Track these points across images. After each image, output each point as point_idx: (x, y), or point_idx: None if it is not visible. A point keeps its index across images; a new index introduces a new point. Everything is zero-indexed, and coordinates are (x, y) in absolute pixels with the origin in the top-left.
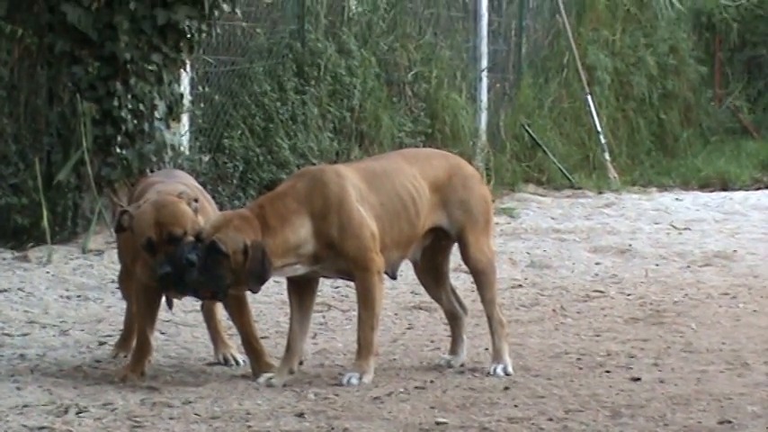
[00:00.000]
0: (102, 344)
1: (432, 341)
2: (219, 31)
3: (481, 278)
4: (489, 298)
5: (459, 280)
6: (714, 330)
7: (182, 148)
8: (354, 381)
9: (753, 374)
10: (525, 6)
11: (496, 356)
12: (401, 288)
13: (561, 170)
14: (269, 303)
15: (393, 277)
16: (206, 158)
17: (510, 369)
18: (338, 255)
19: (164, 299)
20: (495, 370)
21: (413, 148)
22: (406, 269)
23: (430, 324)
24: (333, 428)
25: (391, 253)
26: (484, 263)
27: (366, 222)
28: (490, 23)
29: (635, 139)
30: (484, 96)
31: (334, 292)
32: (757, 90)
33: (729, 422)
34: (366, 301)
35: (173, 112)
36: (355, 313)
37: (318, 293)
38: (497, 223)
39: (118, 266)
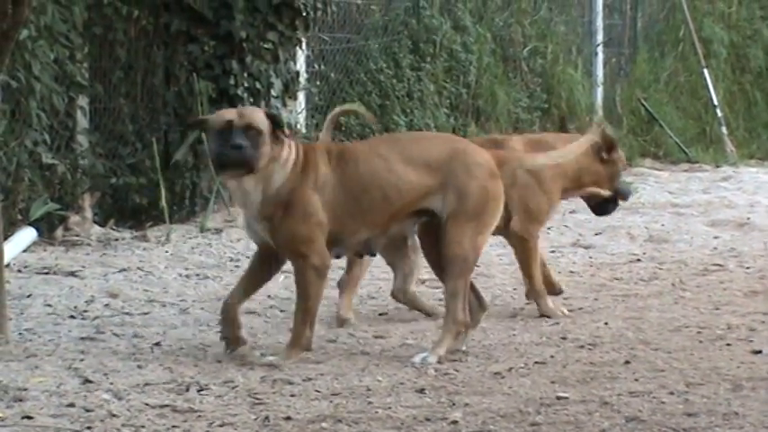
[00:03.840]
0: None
1: (550, 317)
2: (335, 9)
3: (450, 268)
4: (451, 290)
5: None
6: None
7: (298, 126)
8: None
9: None
10: None
11: (433, 346)
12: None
13: (678, 144)
14: (388, 280)
15: (372, 255)
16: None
17: (432, 360)
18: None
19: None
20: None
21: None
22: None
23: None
24: (454, 404)
25: (360, 232)
26: (459, 255)
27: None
28: None
29: (752, 113)
30: (600, 71)
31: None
32: None
33: None
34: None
35: (289, 90)
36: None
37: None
38: None
39: (236, 245)
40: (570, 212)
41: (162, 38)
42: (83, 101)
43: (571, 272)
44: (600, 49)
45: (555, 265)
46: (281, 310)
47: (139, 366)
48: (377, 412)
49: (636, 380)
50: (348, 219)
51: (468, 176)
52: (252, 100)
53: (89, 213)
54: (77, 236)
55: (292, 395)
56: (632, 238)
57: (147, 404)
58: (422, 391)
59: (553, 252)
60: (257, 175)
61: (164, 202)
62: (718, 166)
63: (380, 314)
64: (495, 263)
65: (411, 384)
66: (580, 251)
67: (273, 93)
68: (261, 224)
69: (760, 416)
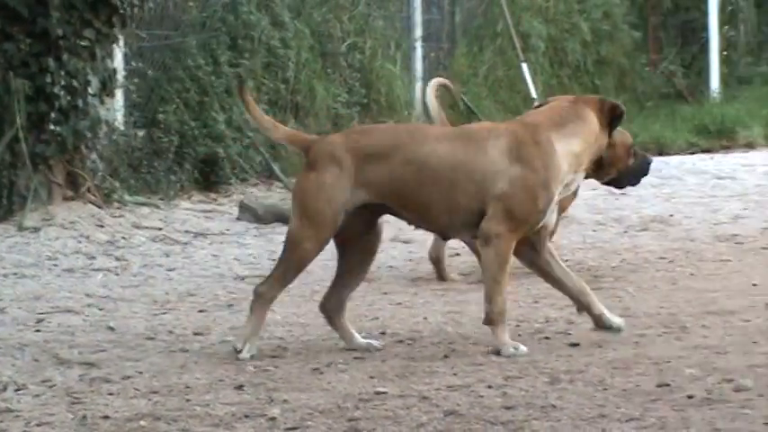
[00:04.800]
0: (39, 321)
1: (370, 312)
2: (152, 5)
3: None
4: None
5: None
6: (652, 294)
7: (116, 124)
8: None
9: (690, 337)
10: None
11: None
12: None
13: None
14: (207, 277)
15: None
16: (141, 133)
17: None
18: None
19: None
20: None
21: None
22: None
23: (368, 295)
24: (272, 400)
25: None
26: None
27: None
28: None
29: None
30: (418, 66)
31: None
32: (691, 54)
33: (668, 385)
34: None
35: (106, 88)
36: (291, 286)
37: (257, 267)
38: None
39: (54, 243)
40: None
41: None
42: None
43: (390, 267)
44: (418, 44)
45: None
46: (100, 309)
47: None
48: (195, 410)
49: (454, 374)
50: None
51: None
52: (69, 98)
53: None
54: None
55: (110, 394)
56: None
57: None
58: (240, 387)
59: None
60: None
61: None
62: None
63: (200, 311)
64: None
65: (230, 381)
66: (399, 246)
67: (91, 90)
68: None
69: (576, 408)
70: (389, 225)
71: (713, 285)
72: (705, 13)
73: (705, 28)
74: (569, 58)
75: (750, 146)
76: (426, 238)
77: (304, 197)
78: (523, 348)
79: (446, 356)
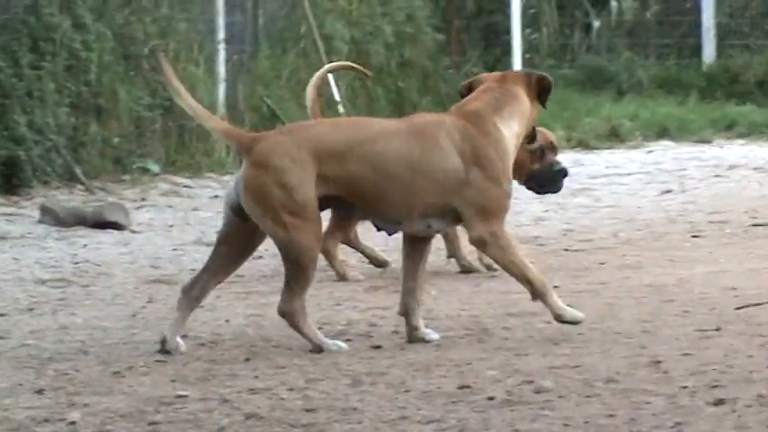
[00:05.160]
0: None
1: (172, 315)
2: None
3: None
4: None
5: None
6: (454, 297)
7: None
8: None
9: (492, 339)
10: None
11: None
12: (141, 262)
13: None
14: (7, 280)
15: None
16: None
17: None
18: None
19: None
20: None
21: None
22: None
23: (170, 297)
24: (73, 404)
25: None
26: None
27: None
28: None
29: (374, 108)
30: (221, 69)
31: (73, 268)
32: (494, 57)
33: (468, 387)
34: None
35: None
36: (94, 289)
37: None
38: None
39: None
40: (194, 210)
41: None
42: None
43: (192, 269)
44: (221, 47)
45: (177, 264)
46: None
47: None
48: None
49: (256, 377)
50: None
51: None
52: None
53: None
54: None
55: None
56: None
57: None
58: (41, 392)
59: (176, 250)
60: None
61: None
62: None
63: (0, 315)
64: (117, 261)
65: (30, 385)
66: (202, 249)
67: None
68: None
69: (378, 410)
70: (191, 228)
71: (515, 287)
72: (508, 17)
73: (508, 31)
74: (373, 61)
75: None
76: None
77: (272, 199)
78: (580, 315)
79: (247, 359)
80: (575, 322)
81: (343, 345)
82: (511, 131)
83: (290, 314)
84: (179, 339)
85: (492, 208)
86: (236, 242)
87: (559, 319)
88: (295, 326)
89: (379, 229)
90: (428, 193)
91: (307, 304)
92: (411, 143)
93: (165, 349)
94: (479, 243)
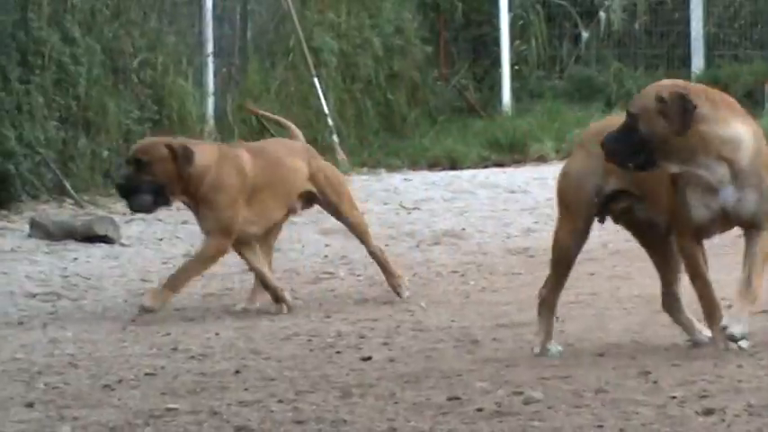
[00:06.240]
0: None
1: (162, 329)
2: None
3: None
4: None
5: None
6: (444, 308)
7: None
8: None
9: (482, 351)
10: None
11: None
12: (131, 275)
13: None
14: None
15: None
16: None
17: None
18: None
19: None
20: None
21: None
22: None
23: (161, 311)
24: (63, 417)
25: None
26: None
27: None
28: (215, 8)
29: (363, 121)
30: (210, 81)
31: (63, 281)
32: (483, 69)
33: (458, 398)
34: None
35: None
36: (84, 302)
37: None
38: None
39: None
40: (183, 223)
41: None
42: None
43: None
44: (210, 60)
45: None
46: None
47: None
48: None
49: (246, 389)
50: None
51: None
52: None
53: None
54: None
55: None
56: None
57: None
58: (31, 405)
59: (165, 263)
60: None
61: None
62: None
63: None
64: (107, 275)
65: (20, 399)
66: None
67: None
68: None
69: (367, 422)
70: (181, 241)
71: (505, 298)
72: (497, 28)
73: (497, 42)
74: (361, 73)
75: (542, 159)
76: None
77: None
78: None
79: (238, 372)
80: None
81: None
82: None
83: (541, 299)
84: None
85: None
86: None
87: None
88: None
89: None
90: None
91: (296, 316)
92: None
93: None
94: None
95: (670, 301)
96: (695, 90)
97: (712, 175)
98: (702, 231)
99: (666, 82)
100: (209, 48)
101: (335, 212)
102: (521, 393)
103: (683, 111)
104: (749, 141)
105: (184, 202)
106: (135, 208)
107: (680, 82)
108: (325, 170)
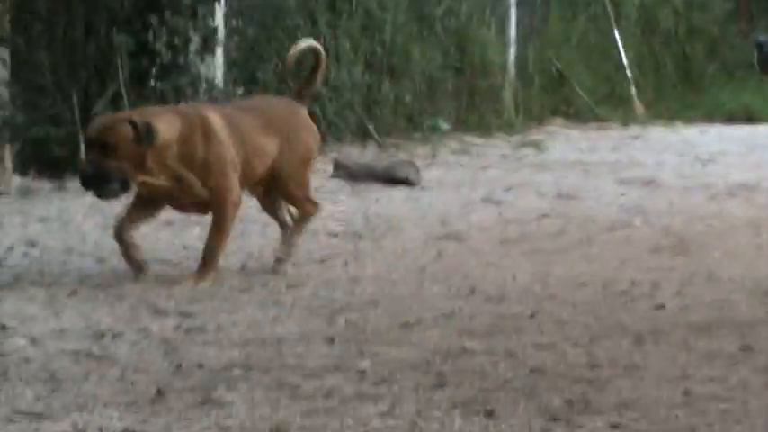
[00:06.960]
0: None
1: (460, 270)
2: None
3: None
4: None
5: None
6: (737, 260)
7: (216, 81)
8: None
9: None
10: None
11: None
12: (430, 218)
13: (588, 103)
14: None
15: None
16: (240, 91)
17: None
18: None
19: None
20: None
21: None
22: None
23: (459, 253)
24: (362, 353)
25: None
26: None
27: None
28: None
29: (660, 74)
30: (512, 31)
31: (364, 222)
32: None
33: (750, 348)
34: None
35: (207, 46)
36: (384, 243)
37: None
38: (525, 155)
39: None
40: (483, 168)
41: None
42: (4, 53)
43: (480, 227)
44: (513, 10)
45: (466, 221)
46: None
47: (56, 314)
48: (287, 360)
49: (541, 332)
50: None
51: None
52: (170, 55)
53: (9, 164)
54: None
55: (205, 343)
56: (541, 195)
57: (62, 350)
58: (332, 340)
59: (465, 207)
60: None
61: (82, 154)
62: (626, 126)
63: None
64: (407, 217)
65: (321, 334)
66: (490, 206)
67: (191, 48)
68: None
69: (660, 368)
70: (481, 186)
71: None
72: None
73: None
74: (661, 27)
75: None
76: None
77: None
78: None
79: (533, 315)
80: None
81: None
82: None
83: None
84: None
85: None
86: None
87: None
88: None
89: None
90: None
91: (590, 263)
92: None
93: None
94: None
95: None
96: None
97: None
98: None
99: None
100: None
101: None
102: None
103: None
104: None
105: None
106: (106, 197)
107: None
108: None
